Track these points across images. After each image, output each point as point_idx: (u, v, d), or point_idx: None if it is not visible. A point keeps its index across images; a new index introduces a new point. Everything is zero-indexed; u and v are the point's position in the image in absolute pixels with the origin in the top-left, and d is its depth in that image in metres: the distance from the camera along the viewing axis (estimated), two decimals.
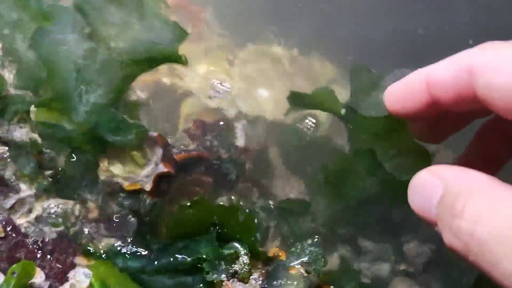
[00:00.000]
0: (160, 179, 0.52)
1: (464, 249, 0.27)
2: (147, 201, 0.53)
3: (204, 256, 0.47)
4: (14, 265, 0.46)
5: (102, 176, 0.54)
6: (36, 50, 0.46)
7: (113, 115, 0.47)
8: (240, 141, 0.60)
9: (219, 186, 0.59)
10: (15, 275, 0.45)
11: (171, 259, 0.49)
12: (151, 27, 0.46)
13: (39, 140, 0.51)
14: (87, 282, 0.53)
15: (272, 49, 0.87)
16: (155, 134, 0.52)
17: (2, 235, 0.51)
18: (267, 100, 0.74)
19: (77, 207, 0.55)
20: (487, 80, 0.29)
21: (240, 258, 0.49)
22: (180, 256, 0.49)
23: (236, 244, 0.49)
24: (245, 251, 0.49)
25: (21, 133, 0.51)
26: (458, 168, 0.30)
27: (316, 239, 0.54)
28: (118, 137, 0.48)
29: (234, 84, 0.75)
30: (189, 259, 0.48)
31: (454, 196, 0.28)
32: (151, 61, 0.47)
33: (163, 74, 0.73)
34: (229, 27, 0.87)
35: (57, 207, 0.55)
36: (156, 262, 0.50)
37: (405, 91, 0.36)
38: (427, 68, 0.34)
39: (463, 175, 0.29)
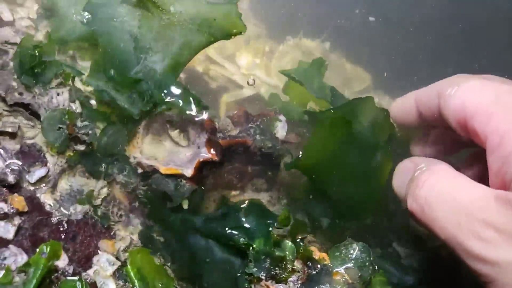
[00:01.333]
0: (203, 165, 0.48)
1: (419, 211, 0.37)
2: (186, 187, 0.49)
3: (254, 246, 0.44)
4: (43, 245, 0.41)
5: (136, 155, 0.50)
6: (90, 25, 0.45)
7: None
8: (280, 133, 0.57)
9: (258, 176, 0.55)
10: (44, 255, 0.40)
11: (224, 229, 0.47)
12: None
13: (78, 109, 0.46)
14: (111, 269, 0.49)
15: (304, 43, 0.84)
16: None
17: (26, 209, 0.46)
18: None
19: (106, 187, 0.51)
20: (445, 103, 0.39)
21: (287, 264, 0.45)
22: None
23: (291, 245, 0.45)
24: (293, 258, 0.45)
25: (58, 101, 0.46)
26: (428, 158, 0.42)
27: (363, 245, 0.50)
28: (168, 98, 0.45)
29: (273, 76, 0.71)
30: (242, 239, 0.45)
31: (421, 174, 0.39)
32: (210, 27, 0.44)
33: (197, 62, 0.70)
34: (264, 18, 0.84)
35: (84, 185, 0.50)
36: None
37: (403, 107, 0.47)
38: (416, 90, 0.46)
39: (430, 162, 0.41)
